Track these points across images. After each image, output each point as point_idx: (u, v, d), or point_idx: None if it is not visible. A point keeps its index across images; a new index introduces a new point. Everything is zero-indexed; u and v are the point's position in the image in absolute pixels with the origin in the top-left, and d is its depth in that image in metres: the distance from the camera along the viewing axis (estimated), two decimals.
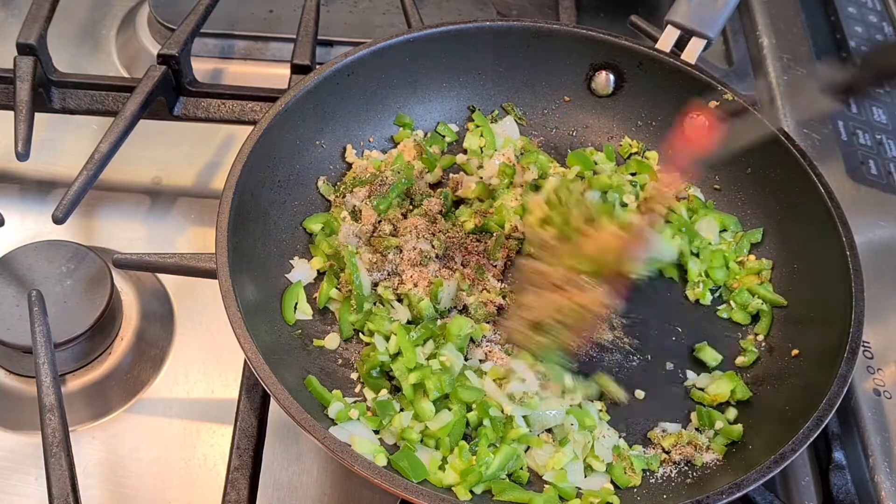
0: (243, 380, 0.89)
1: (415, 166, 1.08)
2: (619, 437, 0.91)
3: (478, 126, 1.14)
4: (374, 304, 0.96)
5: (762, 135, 1.05)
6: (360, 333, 0.96)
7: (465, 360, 0.93)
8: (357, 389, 0.93)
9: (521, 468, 0.87)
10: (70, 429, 0.84)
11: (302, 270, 0.99)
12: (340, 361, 0.95)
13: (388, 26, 1.32)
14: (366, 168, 1.07)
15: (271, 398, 0.81)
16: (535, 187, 1.07)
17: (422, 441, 0.87)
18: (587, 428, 0.89)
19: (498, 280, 1.00)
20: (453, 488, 0.84)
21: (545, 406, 0.89)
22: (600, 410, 0.93)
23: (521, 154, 1.12)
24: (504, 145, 1.13)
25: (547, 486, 0.87)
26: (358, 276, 0.95)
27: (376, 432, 0.88)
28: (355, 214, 1.03)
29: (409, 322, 0.95)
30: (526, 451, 0.89)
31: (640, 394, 0.95)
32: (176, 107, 1.15)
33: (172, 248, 1.10)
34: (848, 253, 0.93)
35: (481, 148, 1.13)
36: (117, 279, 1.00)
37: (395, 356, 0.91)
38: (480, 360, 0.94)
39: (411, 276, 0.96)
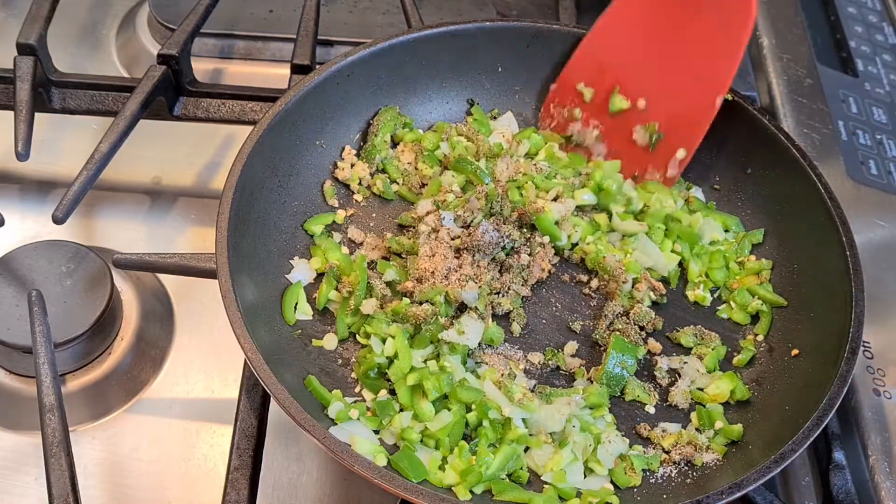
0: (243, 380, 0.89)
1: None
2: (628, 444, 0.90)
3: (476, 120, 1.14)
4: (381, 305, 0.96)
5: (762, 135, 1.05)
6: (356, 336, 0.96)
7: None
8: (357, 389, 0.92)
9: (521, 468, 0.87)
10: (70, 429, 0.84)
11: (302, 271, 0.99)
12: (340, 361, 0.95)
13: (388, 26, 1.32)
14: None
15: (271, 398, 0.81)
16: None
17: (422, 441, 0.87)
18: (591, 433, 0.89)
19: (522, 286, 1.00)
20: (453, 488, 0.84)
21: (545, 412, 0.89)
22: (607, 421, 0.92)
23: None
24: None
25: (546, 486, 0.87)
26: (363, 285, 0.95)
27: (376, 432, 0.88)
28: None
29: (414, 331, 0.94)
30: (526, 452, 0.89)
31: (650, 409, 0.94)
32: (176, 107, 1.15)
33: (172, 248, 1.10)
34: (848, 253, 0.93)
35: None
36: (117, 279, 1.00)
37: (392, 359, 0.91)
38: (477, 363, 0.94)
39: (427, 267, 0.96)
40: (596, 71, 1.04)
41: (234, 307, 0.83)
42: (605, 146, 1.05)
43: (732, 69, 0.97)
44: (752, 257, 1.05)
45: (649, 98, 1.00)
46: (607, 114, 1.05)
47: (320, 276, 1.00)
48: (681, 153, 1.03)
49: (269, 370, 0.80)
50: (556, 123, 1.10)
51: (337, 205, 1.07)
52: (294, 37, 1.18)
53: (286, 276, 0.98)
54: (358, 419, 0.87)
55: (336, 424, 0.86)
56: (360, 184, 1.08)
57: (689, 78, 1.00)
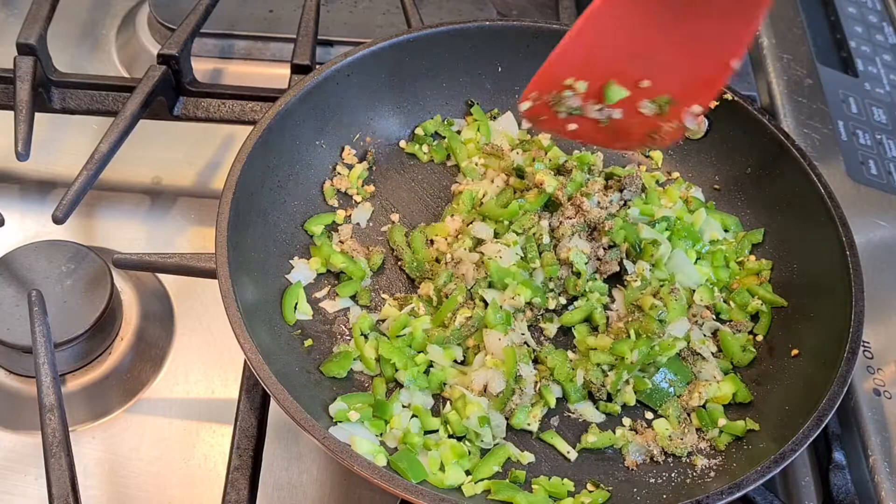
0: (243, 380, 0.89)
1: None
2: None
3: (476, 120, 1.14)
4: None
5: (762, 135, 1.05)
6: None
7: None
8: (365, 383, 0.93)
9: (518, 468, 0.88)
10: (70, 429, 0.84)
11: (302, 271, 0.99)
12: None
13: (388, 26, 1.32)
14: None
15: (271, 398, 0.81)
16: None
17: (424, 445, 0.87)
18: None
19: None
20: (462, 486, 0.85)
21: None
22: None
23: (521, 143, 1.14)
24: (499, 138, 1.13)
25: (536, 486, 0.86)
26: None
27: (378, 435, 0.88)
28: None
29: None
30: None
31: (649, 415, 0.94)
32: (176, 107, 1.15)
33: (172, 248, 1.10)
34: (848, 253, 0.93)
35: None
36: (117, 279, 1.00)
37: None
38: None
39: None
40: (584, 67, 0.93)
41: (234, 307, 0.83)
42: (610, 115, 0.95)
43: (750, 29, 0.88)
44: (752, 257, 1.05)
45: (654, 78, 0.93)
46: (604, 101, 0.95)
47: (320, 276, 1.00)
48: (696, 108, 0.94)
49: (269, 370, 0.80)
50: (549, 117, 0.96)
51: (337, 205, 1.07)
52: (294, 37, 1.18)
53: (286, 276, 0.98)
54: (361, 423, 0.87)
55: (336, 424, 0.86)
56: (359, 185, 1.08)
57: (699, 47, 0.90)
